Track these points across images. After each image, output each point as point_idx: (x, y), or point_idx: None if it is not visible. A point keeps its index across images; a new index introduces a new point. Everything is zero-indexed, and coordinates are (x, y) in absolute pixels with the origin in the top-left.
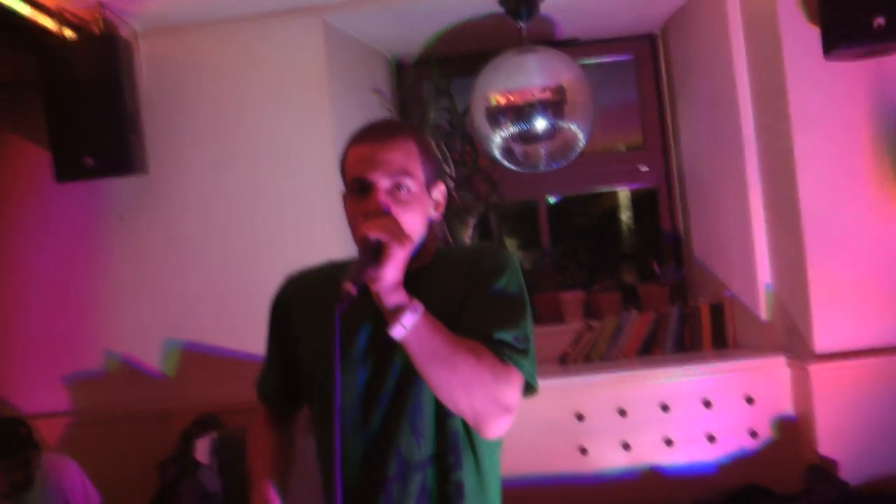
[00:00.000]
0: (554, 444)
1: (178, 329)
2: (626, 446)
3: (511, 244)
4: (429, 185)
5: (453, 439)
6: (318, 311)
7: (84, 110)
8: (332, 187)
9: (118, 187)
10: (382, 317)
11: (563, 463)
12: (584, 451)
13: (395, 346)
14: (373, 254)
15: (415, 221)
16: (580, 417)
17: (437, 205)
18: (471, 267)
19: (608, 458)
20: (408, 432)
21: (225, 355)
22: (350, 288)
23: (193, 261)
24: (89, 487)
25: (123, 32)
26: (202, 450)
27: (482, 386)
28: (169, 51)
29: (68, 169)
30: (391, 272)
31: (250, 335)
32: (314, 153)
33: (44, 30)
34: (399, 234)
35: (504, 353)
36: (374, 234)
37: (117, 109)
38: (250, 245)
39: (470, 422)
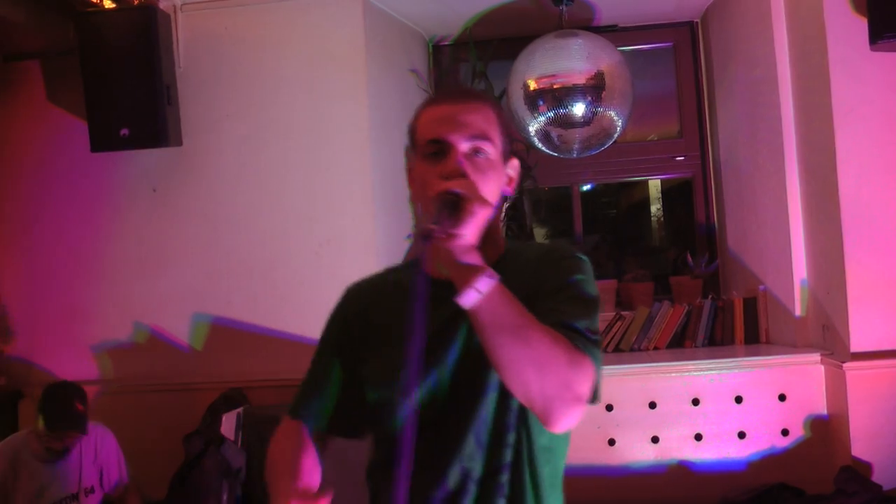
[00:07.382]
0: (582, 434)
1: (206, 303)
2: (655, 439)
3: (541, 232)
4: (504, 157)
5: (509, 454)
6: (395, 317)
7: (121, 81)
8: (366, 165)
9: (152, 158)
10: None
11: (591, 454)
12: (612, 442)
13: (474, 352)
14: (452, 208)
15: (491, 191)
16: (609, 408)
17: (510, 180)
18: (545, 262)
19: (636, 451)
20: (473, 445)
21: (253, 331)
22: (435, 228)
23: (224, 235)
24: (121, 456)
25: (162, 4)
26: (227, 425)
27: (556, 367)
28: (207, 23)
29: (104, 139)
30: (470, 230)
31: (278, 312)
32: (349, 131)
33: None
34: (479, 195)
35: (578, 341)
36: (456, 189)
37: (154, 81)
38: (281, 221)
39: (538, 409)
